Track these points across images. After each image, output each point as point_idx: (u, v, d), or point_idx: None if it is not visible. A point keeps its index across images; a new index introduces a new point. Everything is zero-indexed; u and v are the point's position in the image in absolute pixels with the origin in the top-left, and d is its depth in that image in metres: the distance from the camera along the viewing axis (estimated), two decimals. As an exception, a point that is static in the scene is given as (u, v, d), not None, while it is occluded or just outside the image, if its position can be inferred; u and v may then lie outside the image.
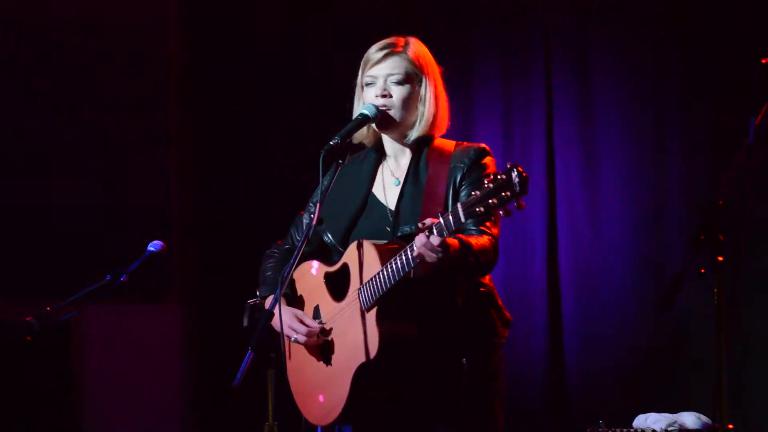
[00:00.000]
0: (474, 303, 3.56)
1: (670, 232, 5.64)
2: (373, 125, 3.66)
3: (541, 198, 5.81)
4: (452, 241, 3.32)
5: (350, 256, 3.56)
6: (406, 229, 3.53)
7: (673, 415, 4.70)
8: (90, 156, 6.22)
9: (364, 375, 3.46)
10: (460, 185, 3.57)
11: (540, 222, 5.82)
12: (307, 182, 3.89)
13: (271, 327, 3.53)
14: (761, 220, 5.23)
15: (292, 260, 3.50)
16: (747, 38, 5.40)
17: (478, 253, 3.41)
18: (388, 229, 3.61)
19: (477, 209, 3.11)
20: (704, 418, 4.68)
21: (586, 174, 5.79)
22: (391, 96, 3.64)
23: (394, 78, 3.65)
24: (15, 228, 6.11)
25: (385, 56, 3.66)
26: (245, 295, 3.91)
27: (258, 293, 3.86)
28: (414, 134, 3.66)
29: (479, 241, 3.44)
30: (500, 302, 3.63)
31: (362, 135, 3.72)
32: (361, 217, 3.69)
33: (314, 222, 3.51)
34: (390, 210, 3.66)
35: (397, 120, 3.65)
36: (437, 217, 3.25)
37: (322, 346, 3.66)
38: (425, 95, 3.66)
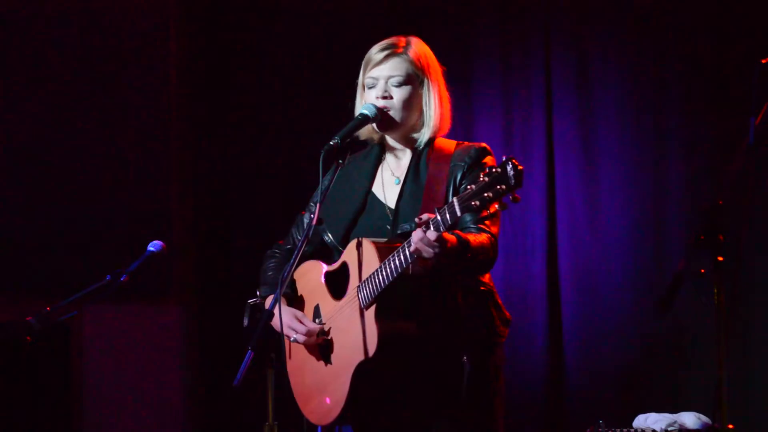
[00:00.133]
0: (474, 302, 3.56)
1: (670, 232, 5.64)
2: (373, 125, 3.66)
3: (540, 197, 5.81)
4: (449, 237, 3.32)
5: (350, 254, 3.57)
6: (406, 227, 3.53)
7: (673, 415, 4.70)
8: (90, 156, 6.22)
9: (363, 373, 3.46)
10: (461, 184, 3.57)
11: (540, 221, 5.82)
12: (307, 182, 3.89)
13: (272, 327, 3.53)
14: (761, 220, 5.24)
15: (292, 260, 3.50)
16: (747, 38, 5.40)
17: (477, 251, 3.41)
18: (389, 228, 3.61)
19: (473, 203, 3.11)
20: (704, 418, 4.68)
21: (585, 174, 5.80)
22: (391, 98, 3.64)
23: (395, 80, 3.65)
24: (15, 228, 6.11)
25: (386, 57, 3.66)
26: (245, 295, 3.91)
27: (258, 293, 3.86)
28: (424, 137, 3.66)
29: (478, 238, 3.44)
30: (500, 301, 3.63)
31: (368, 132, 3.72)
32: (361, 217, 3.69)
33: (314, 222, 3.51)
34: (390, 209, 3.66)
35: (398, 121, 3.65)
36: (434, 213, 3.25)
37: (322, 346, 3.66)
38: (427, 96, 3.66)
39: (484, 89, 5.96)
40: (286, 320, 3.66)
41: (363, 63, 3.70)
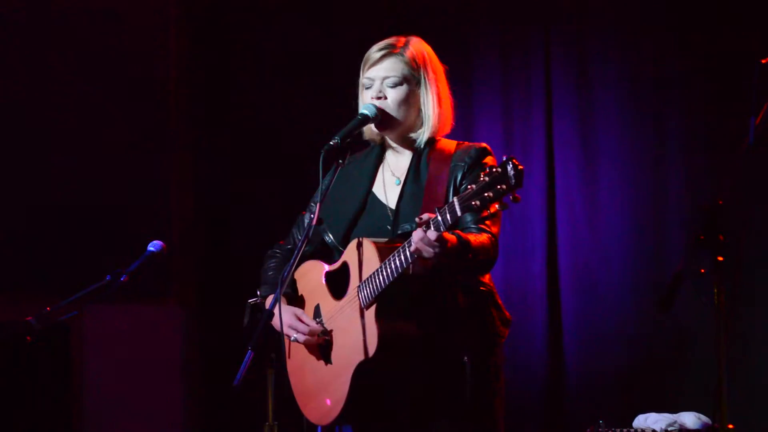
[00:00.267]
0: (474, 302, 3.56)
1: (670, 232, 5.64)
2: (372, 125, 3.66)
3: (540, 197, 5.81)
4: (450, 237, 3.32)
5: (350, 254, 3.57)
6: (407, 227, 3.53)
7: (673, 415, 4.70)
8: (90, 156, 6.22)
9: (363, 373, 3.47)
10: (461, 184, 3.57)
11: (539, 221, 5.82)
12: (308, 182, 3.89)
13: (272, 327, 3.53)
14: (761, 220, 5.24)
15: (292, 260, 3.50)
16: (747, 38, 5.40)
17: (477, 251, 3.41)
18: (389, 228, 3.61)
19: (473, 203, 3.11)
20: (704, 418, 4.68)
21: (585, 173, 5.80)
22: (386, 98, 3.64)
23: (390, 80, 3.65)
24: (15, 228, 6.11)
25: (382, 57, 3.66)
26: (245, 294, 3.91)
27: (259, 293, 3.86)
28: (423, 137, 3.65)
29: (478, 238, 3.44)
30: (500, 301, 3.63)
31: (368, 132, 3.72)
32: (361, 217, 3.69)
33: (314, 222, 3.51)
34: (390, 209, 3.66)
35: (395, 121, 3.65)
36: (434, 213, 3.25)
37: (322, 345, 3.66)
38: (426, 97, 3.65)
39: (484, 89, 5.96)
40: (287, 319, 3.66)
41: (362, 62, 3.70)
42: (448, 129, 3.72)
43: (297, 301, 3.78)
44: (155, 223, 6.18)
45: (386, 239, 3.54)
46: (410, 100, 3.65)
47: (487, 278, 3.62)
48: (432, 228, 3.24)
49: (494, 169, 3.08)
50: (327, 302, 3.67)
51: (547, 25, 5.91)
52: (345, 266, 3.59)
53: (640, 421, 4.74)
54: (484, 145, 3.66)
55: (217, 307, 6.15)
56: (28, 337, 3.98)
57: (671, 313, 5.20)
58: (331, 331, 3.63)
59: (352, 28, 6.04)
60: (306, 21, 6.29)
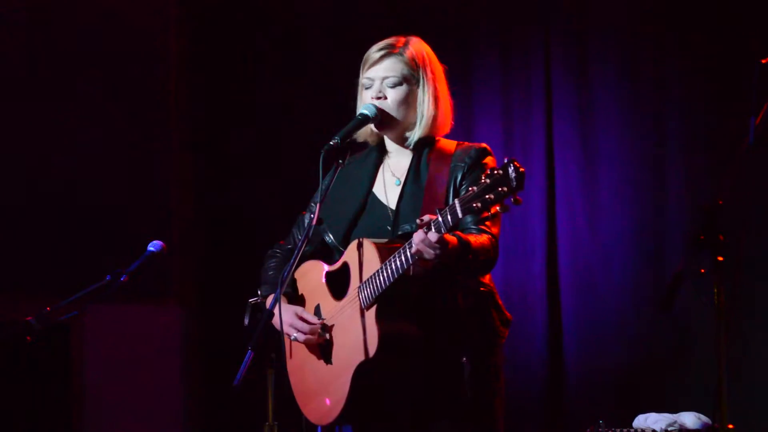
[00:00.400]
0: (474, 302, 3.56)
1: (670, 232, 5.64)
2: (372, 126, 3.66)
3: (540, 197, 5.81)
4: (450, 238, 3.32)
5: (350, 255, 3.57)
6: (407, 227, 3.53)
7: (673, 415, 4.70)
8: (90, 156, 6.22)
9: (363, 373, 3.47)
10: (461, 185, 3.57)
11: (539, 221, 5.82)
12: (308, 182, 3.89)
13: (272, 327, 3.53)
14: (761, 220, 5.24)
15: (292, 260, 3.50)
16: (748, 38, 5.40)
17: (477, 251, 3.41)
18: (389, 228, 3.61)
19: (474, 204, 3.11)
20: (704, 418, 4.68)
21: (585, 173, 5.80)
22: (385, 98, 3.64)
23: (390, 80, 3.65)
24: (15, 228, 6.11)
25: (382, 57, 3.66)
26: (245, 294, 3.91)
27: (259, 292, 3.86)
28: (415, 136, 3.66)
29: (478, 239, 3.44)
30: (500, 302, 3.63)
31: (366, 133, 3.72)
32: (361, 217, 3.69)
33: (314, 222, 3.51)
34: (391, 209, 3.66)
35: (395, 121, 3.65)
36: (435, 214, 3.25)
37: (322, 345, 3.66)
38: (423, 97, 3.65)
39: (484, 89, 5.96)
40: (287, 319, 3.66)
41: (362, 62, 3.70)
42: (447, 129, 3.72)
43: (297, 300, 3.78)
44: (155, 223, 6.19)
45: (386, 240, 3.54)
46: (410, 100, 3.65)
47: (487, 279, 3.62)
48: (433, 229, 3.25)
49: (495, 171, 3.08)
50: (327, 302, 3.67)
51: (547, 25, 5.91)
52: (345, 266, 3.59)
53: (640, 421, 4.74)
54: (483, 145, 3.66)
55: (217, 307, 6.15)
56: (28, 337, 3.98)
57: (671, 313, 5.22)
58: (332, 330, 3.63)
59: (352, 28, 6.04)
60: (306, 21, 6.29)
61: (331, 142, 3.55)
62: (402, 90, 3.65)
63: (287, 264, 3.59)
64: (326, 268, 3.70)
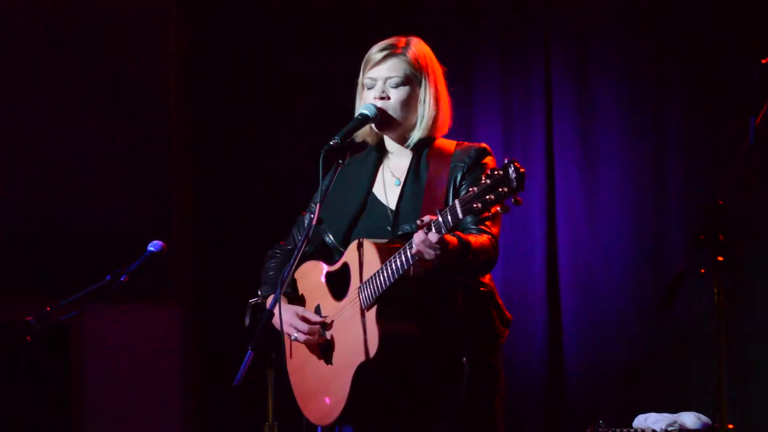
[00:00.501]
0: (474, 302, 3.56)
1: (670, 231, 5.64)
2: (373, 126, 3.66)
3: (540, 198, 5.81)
4: (451, 239, 3.32)
5: (350, 255, 3.57)
6: (407, 227, 3.53)
7: (673, 415, 4.70)
8: (90, 156, 6.22)
9: (364, 374, 3.47)
10: (461, 185, 3.57)
11: (539, 221, 5.82)
12: (308, 182, 3.89)
13: (272, 327, 3.53)
14: (761, 220, 5.24)
15: (292, 260, 3.50)
16: (748, 38, 5.40)
17: (477, 252, 3.41)
18: (389, 228, 3.61)
19: (474, 205, 3.11)
20: (704, 418, 4.68)
21: (585, 173, 5.80)
22: (389, 98, 3.64)
23: (393, 81, 3.65)
24: (15, 228, 6.11)
25: (385, 58, 3.66)
26: (245, 295, 3.91)
27: (259, 293, 3.86)
28: (415, 137, 3.66)
29: (478, 239, 3.44)
30: (500, 302, 3.63)
31: (365, 133, 3.72)
32: (361, 217, 3.69)
33: (314, 222, 3.51)
34: (390, 210, 3.66)
35: (396, 121, 3.65)
36: (435, 215, 3.25)
37: (322, 346, 3.66)
38: (425, 97, 3.66)
39: (484, 89, 5.96)
40: (288, 318, 3.66)
41: (363, 63, 3.70)
42: (446, 129, 3.72)
43: (297, 300, 3.78)
44: (155, 223, 6.18)
45: (386, 240, 3.53)
46: (412, 101, 3.65)
47: (487, 278, 3.62)
48: (433, 230, 3.25)
49: (496, 172, 3.08)
50: (327, 303, 3.67)
51: (547, 25, 5.91)
52: (345, 267, 3.59)
53: (640, 421, 4.74)
54: (483, 145, 3.66)
55: (217, 307, 6.15)
56: (28, 337, 3.98)
57: (671, 313, 5.23)
58: (332, 330, 3.63)
59: (352, 28, 6.04)
60: (306, 21, 6.29)
61: (331, 142, 3.55)
62: (405, 90, 3.65)
63: (287, 264, 3.59)
64: (326, 268, 3.70)
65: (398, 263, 3.36)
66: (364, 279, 3.48)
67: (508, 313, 3.64)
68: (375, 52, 3.67)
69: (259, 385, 3.82)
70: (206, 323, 6.28)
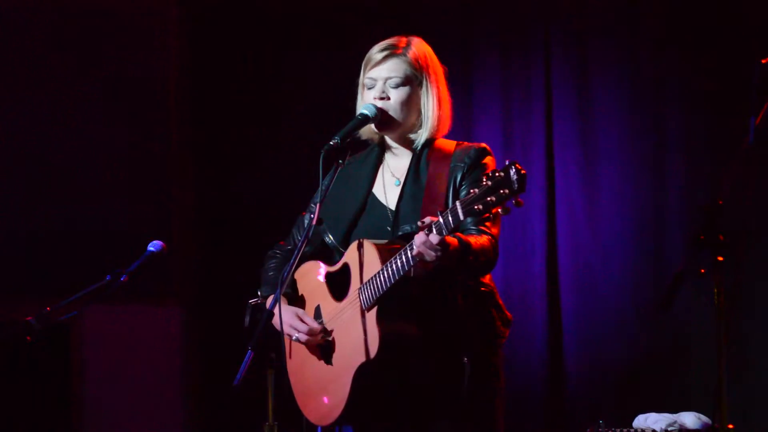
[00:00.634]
0: (474, 302, 3.56)
1: (670, 231, 5.64)
2: (373, 126, 3.66)
3: (540, 198, 5.81)
4: (451, 240, 3.32)
5: (351, 255, 3.57)
6: (407, 228, 3.53)
7: (673, 415, 4.70)
8: (90, 156, 6.22)
9: (364, 374, 3.47)
10: (460, 185, 3.57)
11: (539, 222, 5.82)
12: (308, 182, 3.89)
13: (272, 327, 3.53)
14: (761, 220, 5.24)
15: (292, 260, 3.50)
16: (747, 38, 5.40)
17: (478, 252, 3.41)
18: (389, 229, 3.61)
19: (476, 207, 3.11)
20: (704, 418, 4.68)
21: (585, 174, 5.80)
22: (389, 99, 3.64)
23: (393, 81, 3.64)
24: (15, 228, 6.11)
25: (385, 58, 3.66)
26: (245, 295, 3.91)
27: (259, 293, 3.86)
28: (422, 138, 3.66)
29: (479, 240, 3.44)
30: (500, 302, 3.64)
31: (369, 132, 3.72)
32: (361, 218, 3.69)
33: (314, 222, 3.51)
34: (390, 210, 3.66)
35: (396, 122, 3.65)
36: (436, 216, 3.25)
37: (322, 346, 3.66)
38: (426, 97, 3.65)
39: (484, 89, 5.96)
40: (288, 319, 3.66)
41: (363, 62, 3.70)
42: (447, 130, 3.71)
43: (297, 301, 3.78)
44: (155, 223, 6.18)
45: (386, 241, 3.54)
46: (412, 101, 3.65)
47: (487, 279, 3.62)
48: (434, 231, 3.25)
49: (497, 173, 3.08)
50: (327, 303, 3.67)
51: (547, 25, 5.91)
52: (346, 267, 3.59)
53: (640, 421, 4.74)
54: (483, 145, 3.66)
55: (217, 307, 6.15)
56: (28, 337, 3.98)
57: (671, 313, 5.23)
58: (332, 332, 3.63)
59: (352, 28, 6.04)
60: (306, 21, 6.29)
61: (331, 142, 3.55)
62: (405, 91, 3.65)
63: (287, 264, 3.59)
64: (326, 268, 3.70)
65: (399, 264, 3.36)
66: (365, 280, 3.48)
67: (508, 313, 3.65)
68: (375, 52, 3.67)
69: (259, 385, 3.81)
70: (206, 323, 6.28)
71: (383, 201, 3.69)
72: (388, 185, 3.71)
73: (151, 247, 4.16)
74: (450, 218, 3.21)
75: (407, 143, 3.71)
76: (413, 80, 3.65)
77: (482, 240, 3.45)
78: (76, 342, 6.15)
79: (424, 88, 3.65)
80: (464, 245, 3.37)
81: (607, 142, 5.78)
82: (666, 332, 5.55)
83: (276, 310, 3.45)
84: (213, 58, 6.43)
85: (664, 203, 5.68)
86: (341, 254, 3.64)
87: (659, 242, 5.67)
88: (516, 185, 3.05)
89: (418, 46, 3.69)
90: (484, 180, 3.11)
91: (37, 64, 6.21)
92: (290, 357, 3.80)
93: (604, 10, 5.82)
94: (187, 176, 6.42)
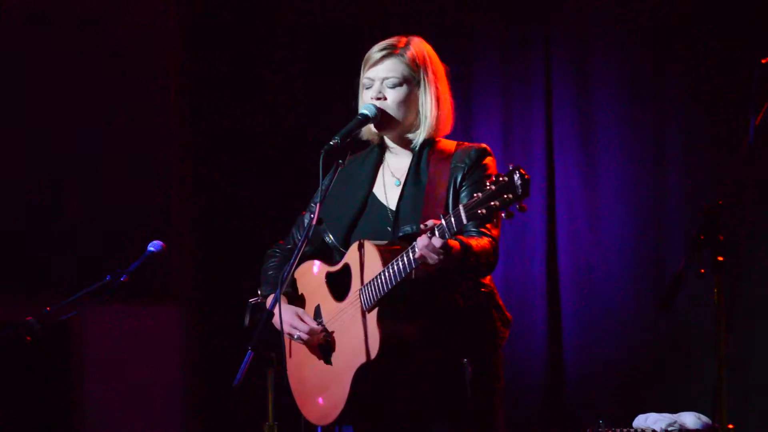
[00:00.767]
0: (475, 303, 3.56)
1: (670, 232, 5.64)
2: (372, 126, 3.66)
3: (540, 198, 5.81)
4: (453, 243, 3.32)
5: (351, 256, 3.56)
6: (407, 229, 3.53)
7: (673, 415, 4.70)
8: (90, 156, 6.22)
9: (364, 375, 3.47)
10: (461, 186, 3.57)
11: (539, 222, 5.82)
12: (308, 182, 3.89)
13: (272, 326, 3.53)
14: (761, 220, 5.24)
15: (292, 260, 3.50)
16: (747, 38, 5.40)
17: (479, 255, 3.42)
18: (389, 229, 3.61)
19: (479, 211, 3.12)
20: (704, 418, 4.68)
21: (585, 174, 5.80)
22: (385, 99, 3.64)
23: (390, 81, 3.64)
24: (15, 228, 6.11)
25: (383, 58, 3.65)
26: (245, 294, 3.91)
27: (259, 292, 3.86)
28: (420, 138, 3.65)
29: (480, 242, 3.44)
30: (501, 302, 3.63)
31: (369, 132, 3.72)
32: (361, 218, 3.69)
33: (314, 222, 3.51)
34: (391, 210, 3.66)
35: (395, 122, 3.65)
36: (439, 219, 3.25)
37: (322, 346, 3.66)
38: (424, 97, 3.65)
39: (484, 89, 5.96)
40: (288, 319, 3.66)
41: (363, 62, 3.70)
42: (448, 129, 3.71)
43: (297, 300, 3.78)
44: (155, 223, 6.18)
45: (387, 242, 3.53)
46: (410, 101, 3.65)
47: (487, 279, 3.61)
48: (437, 235, 3.25)
49: (501, 178, 3.09)
50: (328, 303, 3.67)
51: (547, 25, 5.91)
52: (347, 268, 3.58)
53: (640, 421, 4.74)
54: (483, 145, 3.66)
55: (217, 307, 6.15)
56: (28, 337, 3.98)
57: (671, 313, 5.22)
58: (332, 332, 3.63)
59: (352, 27, 6.04)
60: (306, 21, 6.29)
61: (331, 142, 3.54)
62: (402, 91, 3.64)
63: (287, 264, 3.59)
64: (326, 268, 3.70)
65: (400, 266, 3.36)
66: (365, 281, 3.48)
67: (508, 314, 3.64)
68: (374, 52, 3.67)
69: (259, 385, 3.81)
70: (206, 323, 6.28)
71: (383, 201, 3.69)
72: (389, 185, 3.71)
73: (151, 247, 4.16)
74: (453, 222, 3.21)
75: (407, 143, 3.70)
76: (411, 80, 3.65)
77: (483, 242, 3.45)
78: (76, 342, 6.15)
79: (422, 88, 3.65)
80: (466, 248, 3.37)
81: (607, 142, 5.78)
82: (666, 332, 5.55)
83: (276, 310, 3.45)
84: (213, 58, 6.43)
85: (664, 203, 5.68)
86: (341, 254, 3.64)
87: (659, 242, 5.67)
88: (520, 190, 3.06)
89: (417, 46, 3.68)
90: (488, 184, 3.11)
91: (38, 66, 6.21)
92: (290, 356, 3.80)
93: (604, 9, 5.81)
94: (187, 176, 6.42)
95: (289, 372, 3.81)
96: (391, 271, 3.38)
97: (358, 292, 3.51)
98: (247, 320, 3.84)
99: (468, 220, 3.17)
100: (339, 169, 3.61)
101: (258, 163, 6.27)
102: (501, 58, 5.98)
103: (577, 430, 4.86)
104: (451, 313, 3.51)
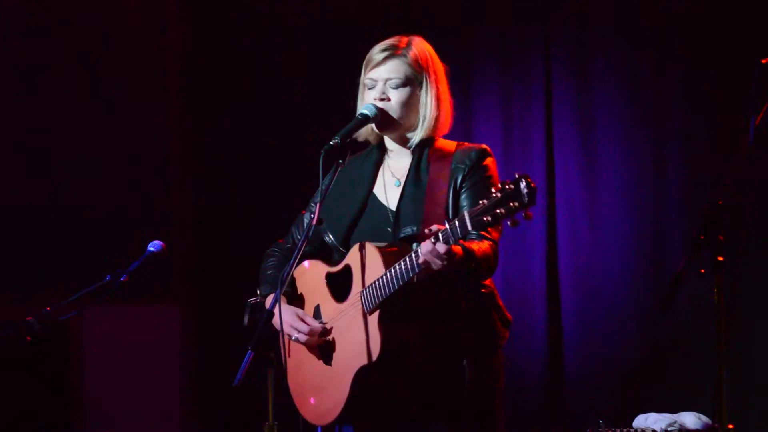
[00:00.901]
0: (475, 304, 3.55)
1: (670, 232, 5.64)
2: (373, 126, 3.66)
3: (540, 198, 5.79)
4: (456, 249, 3.32)
5: (352, 257, 3.56)
6: (408, 230, 3.53)
7: (673, 415, 4.70)
8: (90, 155, 6.22)
9: (364, 376, 3.46)
10: (461, 186, 3.57)
11: (539, 222, 5.82)
12: (308, 181, 3.89)
13: (272, 326, 3.53)
14: (761, 220, 5.24)
15: (292, 259, 3.50)
16: (747, 38, 5.41)
17: (480, 260, 3.42)
18: (389, 229, 3.60)
19: (484, 218, 3.12)
20: (704, 418, 4.68)
21: (585, 174, 5.80)
22: (389, 100, 3.63)
23: (393, 82, 3.64)
24: (15, 228, 6.11)
25: (385, 59, 3.65)
26: (245, 294, 3.91)
27: (258, 292, 3.86)
28: (417, 138, 3.65)
29: (481, 247, 3.44)
30: (501, 303, 3.63)
31: (367, 132, 3.72)
32: (361, 218, 3.69)
33: (314, 222, 3.51)
34: (391, 211, 3.66)
35: (397, 122, 3.65)
36: (443, 224, 3.25)
37: (322, 346, 3.66)
38: (426, 98, 3.65)
39: (484, 89, 5.96)
40: (288, 319, 3.66)
41: (364, 63, 3.70)
42: (447, 129, 3.71)
43: (297, 300, 3.78)
44: (155, 223, 6.18)
45: (388, 243, 3.53)
46: (412, 102, 3.65)
47: (488, 280, 3.61)
48: (441, 240, 3.25)
49: (507, 186, 3.08)
50: (328, 304, 3.66)
51: (547, 25, 5.91)
52: (347, 269, 3.58)
53: (640, 421, 4.74)
54: (484, 146, 3.66)
55: (217, 307, 6.15)
56: (28, 337, 3.98)
57: (671, 313, 5.22)
58: (332, 332, 3.63)
59: (353, 27, 6.04)
60: (306, 21, 6.29)
61: (331, 142, 3.54)
62: (405, 92, 3.64)
63: (287, 263, 3.59)
64: (326, 268, 3.70)
65: (403, 270, 3.36)
66: (367, 283, 3.48)
67: (508, 314, 3.64)
68: (376, 53, 3.67)
69: (259, 385, 3.81)
70: (206, 323, 6.28)
71: (384, 201, 3.69)
72: (389, 185, 3.70)
73: (151, 247, 4.16)
74: (458, 228, 3.21)
75: (407, 143, 3.70)
76: (413, 81, 3.65)
77: (484, 246, 3.45)
78: (76, 342, 6.15)
79: (423, 89, 3.65)
80: (468, 253, 3.37)
81: (607, 142, 5.78)
82: (666, 332, 5.55)
83: (276, 310, 3.45)
84: (213, 57, 6.43)
85: (664, 203, 5.68)
86: (341, 254, 3.63)
87: (659, 242, 5.67)
88: (526, 198, 3.05)
89: (419, 46, 3.68)
90: (494, 191, 3.11)
91: (37, 63, 6.21)
92: (289, 356, 3.80)
93: (604, 10, 5.81)
94: (187, 176, 6.42)
95: (288, 372, 3.80)
96: (393, 274, 3.38)
97: (359, 294, 3.51)
98: (246, 320, 3.84)
99: (473, 227, 3.17)
100: (339, 169, 3.60)
101: (258, 163, 6.27)
102: (501, 58, 5.98)
103: (577, 430, 4.86)
104: (452, 313, 3.51)
